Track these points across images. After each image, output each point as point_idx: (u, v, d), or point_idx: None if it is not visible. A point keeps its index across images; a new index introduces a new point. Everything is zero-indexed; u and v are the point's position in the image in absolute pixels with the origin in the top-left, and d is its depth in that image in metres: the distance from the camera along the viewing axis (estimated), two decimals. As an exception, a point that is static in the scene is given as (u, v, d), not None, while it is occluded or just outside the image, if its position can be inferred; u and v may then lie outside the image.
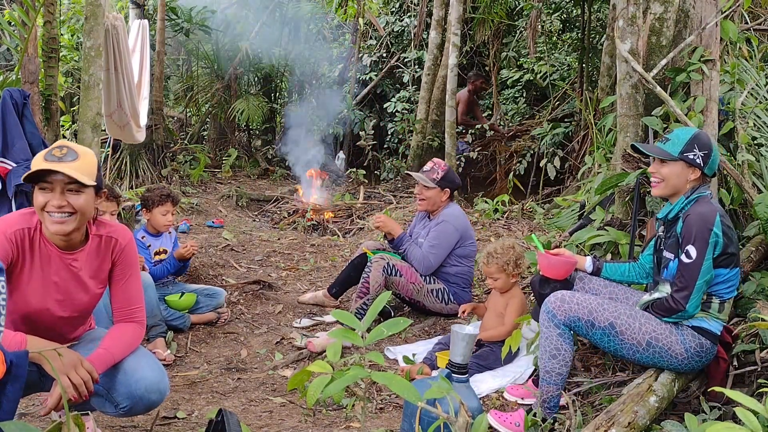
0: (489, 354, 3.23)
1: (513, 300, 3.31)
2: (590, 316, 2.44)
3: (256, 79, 10.28)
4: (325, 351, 3.42)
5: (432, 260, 3.82)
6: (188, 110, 10.36)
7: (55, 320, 2.16)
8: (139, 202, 4.40)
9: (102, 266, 2.22)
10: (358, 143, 9.60)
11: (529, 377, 3.09)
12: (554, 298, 2.51)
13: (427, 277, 3.88)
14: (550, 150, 7.22)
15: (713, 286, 2.42)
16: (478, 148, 8.84)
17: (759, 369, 2.48)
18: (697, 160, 2.43)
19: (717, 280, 2.42)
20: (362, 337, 1.53)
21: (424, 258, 3.81)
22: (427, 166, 4.00)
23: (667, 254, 2.50)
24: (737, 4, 3.70)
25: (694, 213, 2.38)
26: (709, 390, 2.47)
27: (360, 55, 10.30)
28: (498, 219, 6.32)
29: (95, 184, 2.03)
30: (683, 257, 2.37)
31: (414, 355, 3.28)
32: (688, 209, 2.43)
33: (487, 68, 9.43)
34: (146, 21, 6.45)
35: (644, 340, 2.41)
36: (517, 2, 8.59)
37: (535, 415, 2.54)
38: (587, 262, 2.83)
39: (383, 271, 3.75)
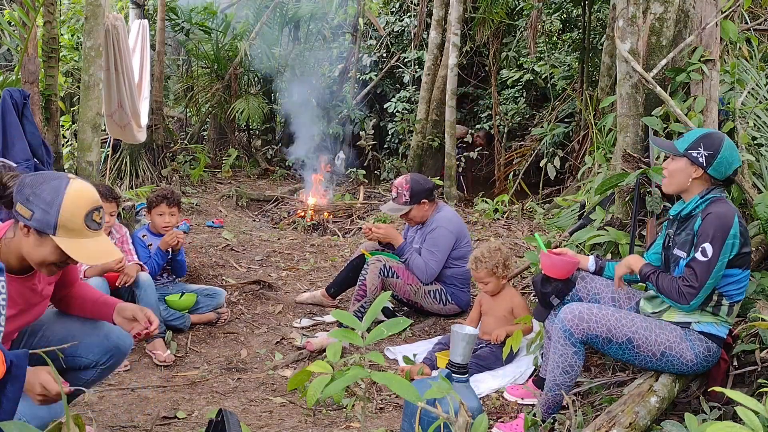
0: (489, 354, 3.23)
1: (515, 299, 3.32)
2: (608, 334, 2.41)
3: (256, 79, 10.28)
4: (323, 350, 3.42)
5: (433, 267, 3.80)
6: (188, 110, 10.35)
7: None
8: (141, 202, 4.40)
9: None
10: (358, 143, 9.61)
11: (529, 377, 3.09)
12: (571, 315, 2.45)
13: (425, 278, 3.87)
14: (550, 150, 7.22)
15: (725, 286, 2.41)
16: (478, 149, 8.85)
17: (759, 369, 2.47)
18: (700, 159, 2.42)
19: (729, 281, 2.40)
20: (362, 337, 1.53)
21: (426, 266, 3.79)
22: (393, 192, 3.95)
23: (677, 252, 2.48)
24: (737, 4, 3.70)
25: (714, 212, 2.36)
26: (709, 390, 2.47)
27: (360, 55, 10.30)
28: (498, 219, 6.33)
29: None
30: (698, 255, 2.35)
31: (414, 355, 3.28)
32: (707, 207, 2.41)
33: (487, 68, 9.43)
34: (146, 21, 6.45)
35: (659, 351, 2.41)
36: (517, 2, 8.59)
37: (535, 415, 2.54)
38: (590, 262, 2.82)
39: (380, 273, 3.74)
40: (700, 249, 2.35)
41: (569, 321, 2.44)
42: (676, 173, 2.48)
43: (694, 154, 2.43)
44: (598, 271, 2.81)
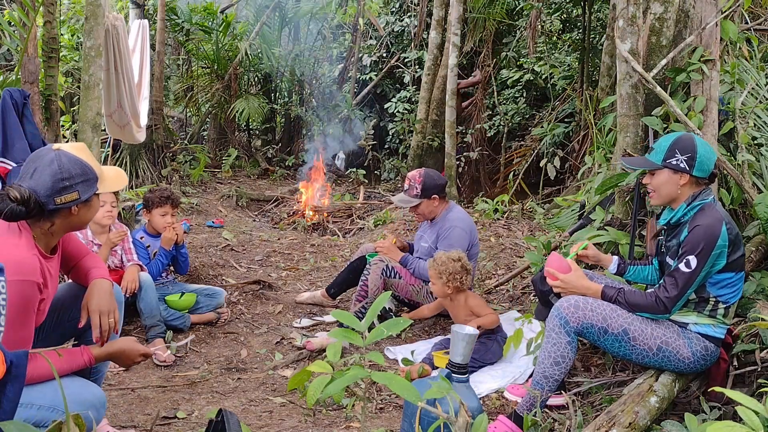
0: (479, 346, 3.22)
1: (471, 301, 3.39)
2: (604, 323, 2.41)
3: (256, 79, 10.27)
4: (323, 350, 3.42)
5: None
6: (188, 110, 10.36)
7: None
8: (141, 202, 4.40)
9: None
10: (358, 143, 9.61)
11: (529, 377, 3.09)
12: (567, 303, 2.44)
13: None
14: (550, 150, 7.22)
15: (720, 290, 2.41)
16: (479, 148, 8.85)
17: (759, 369, 2.48)
18: (681, 165, 2.41)
19: (723, 284, 2.40)
20: (362, 337, 1.53)
21: None
22: (406, 184, 3.96)
23: (670, 261, 2.49)
24: (737, 4, 3.70)
25: (702, 224, 2.35)
26: (709, 390, 2.47)
27: (360, 55, 10.30)
28: (498, 219, 6.32)
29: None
30: (682, 266, 2.36)
31: (413, 353, 3.28)
32: (695, 218, 2.40)
33: (487, 68, 9.43)
34: (146, 21, 6.46)
35: (655, 345, 2.41)
36: (517, 2, 8.59)
37: (535, 414, 2.53)
38: (612, 264, 2.81)
39: (382, 273, 3.74)
40: (684, 260, 2.35)
41: (565, 309, 2.43)
42: (662, 186, 2.47)
43: (674, 162, 2.42)
44: (620, 273, 2.81)
